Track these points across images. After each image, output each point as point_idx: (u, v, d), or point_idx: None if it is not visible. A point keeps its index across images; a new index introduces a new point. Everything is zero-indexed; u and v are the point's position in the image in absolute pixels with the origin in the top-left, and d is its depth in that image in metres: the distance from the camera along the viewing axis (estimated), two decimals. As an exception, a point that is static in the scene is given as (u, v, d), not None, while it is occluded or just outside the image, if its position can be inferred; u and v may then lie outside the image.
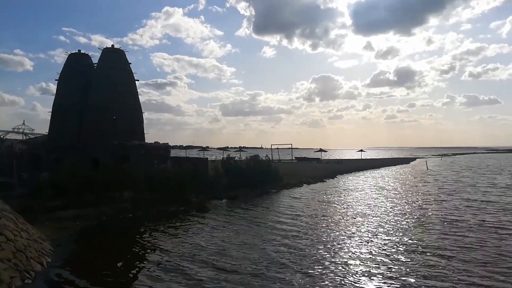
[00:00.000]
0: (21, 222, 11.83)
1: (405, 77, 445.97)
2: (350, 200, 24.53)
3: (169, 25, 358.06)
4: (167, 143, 33.81)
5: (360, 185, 34.56)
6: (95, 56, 34.72)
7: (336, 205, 22.08)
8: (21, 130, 52.83)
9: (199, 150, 72.69)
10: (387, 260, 11.15)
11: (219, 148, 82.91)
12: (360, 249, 12.52)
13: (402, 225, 16.25)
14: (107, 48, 33.72)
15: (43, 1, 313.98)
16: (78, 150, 27.68)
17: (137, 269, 11.00)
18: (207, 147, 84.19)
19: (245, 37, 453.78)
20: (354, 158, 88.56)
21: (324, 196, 26.26)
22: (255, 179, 28.06)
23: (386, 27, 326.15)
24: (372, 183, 36.01)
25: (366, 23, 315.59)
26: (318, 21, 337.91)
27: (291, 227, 15.99)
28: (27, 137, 48.80)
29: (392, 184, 34.64)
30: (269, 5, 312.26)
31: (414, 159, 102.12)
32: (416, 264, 10.91)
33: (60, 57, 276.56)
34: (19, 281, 9.06)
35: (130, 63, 33.96)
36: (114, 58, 32.73)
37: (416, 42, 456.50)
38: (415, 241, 13.45)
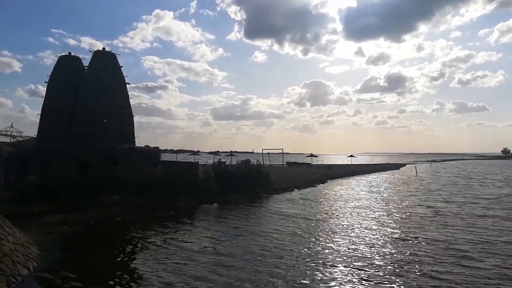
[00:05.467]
0: (8, 226, 11.66)
1: (395, 83, 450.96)
2: (339, 207, 24.55)
3: (160, 28, 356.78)
4: (158, 147, 33.81)
5: (350, 192, 34.79)
6: (86, 59, 34.61)
7: (325, 212, 21.90)
8: (8, 133, 52.00)
9: (190, 154, 72.52)
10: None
11: (210, 152, 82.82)
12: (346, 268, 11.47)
13: (389, 239, 15.37)
14: (98, 51, 33.63)
15: (32, 2, 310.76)
16: (67, 153, 27.42)
17: (123, 275, 10.91)
18: (198, 151, 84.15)
19: (236, 41, 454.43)
20: (345, 163, 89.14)
21: (314, 202, 26.29)
22: (246, 184, 28.04)
23: (376, 33, 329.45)
24: (362, 190, 36.20)
25: (357, 29, 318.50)
26: (309, 27, 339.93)
27: (280, 238, 15.26)
28: (15, 140, 48.09)
29: (381, 192, 34.76)
30: (260, 9, 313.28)
31: (404, 165, 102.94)
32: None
33: (49, 59, 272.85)
34: (5, 286, 8.93)
35: (121, 66, 33.92)
36: (105, 61, 32.67)
37: (407, 48, 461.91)
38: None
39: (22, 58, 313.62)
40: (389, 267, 11.39)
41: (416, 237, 15.33)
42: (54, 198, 18.64)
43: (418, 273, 10.81)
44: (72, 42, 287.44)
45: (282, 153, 76.57)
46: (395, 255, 12.69)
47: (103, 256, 12.90)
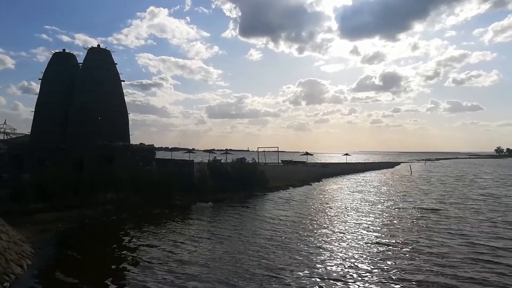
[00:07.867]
0: (1, 224, 11.59)
1: (390, 82, 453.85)
2: (333, 206, 24.45)
3: (155, 25, 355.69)
4: (152, 145, 33.55)
5: (345, 190, 34.94)
6: (80, 56, 34.31)
7: (319, 211, 21.80)
8: (2, 130, 51.59)
9: (185, 152, 72.25)
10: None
11: (205, 150, 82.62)
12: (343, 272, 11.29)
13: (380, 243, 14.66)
14: (92, 47, 33.31)
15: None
16: (62, 151, 27.23)
17: (117, 273, 10.91)
18: (193, 149, 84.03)
19: (232, 39, 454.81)
20: (340, 161, 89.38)
21: (308, 202, 26.18)
22: (241, 182, 28.05)
23: (372, 32, 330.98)
24: (357, 189, 36.13)
25: (352, 27, 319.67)
26: (304, 25, 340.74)
27: (273, 237, 15.13)
28: (9, 137, 47.69)
29: (375, 191, 34.77)
30: (255, 7, 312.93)
31: (398, 163, 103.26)
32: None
33: (42, 55, 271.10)
34: (-2, 284, 8.88)
35: (116, 64, 33.66)
36: (100, 58, 32.36)
37: (402, 47, 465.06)
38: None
39: (15, 55, 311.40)
40: (375, 273, 11.03)
41: (405, 241, 14.95)
42: (49, 196, 18.52)
43: (399, 280, 10.35)
44: (65, 39, 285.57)
45: (277, 151, 76.62)
46: (385, 260, 12.49)
47: (97, 255, 12.87)
